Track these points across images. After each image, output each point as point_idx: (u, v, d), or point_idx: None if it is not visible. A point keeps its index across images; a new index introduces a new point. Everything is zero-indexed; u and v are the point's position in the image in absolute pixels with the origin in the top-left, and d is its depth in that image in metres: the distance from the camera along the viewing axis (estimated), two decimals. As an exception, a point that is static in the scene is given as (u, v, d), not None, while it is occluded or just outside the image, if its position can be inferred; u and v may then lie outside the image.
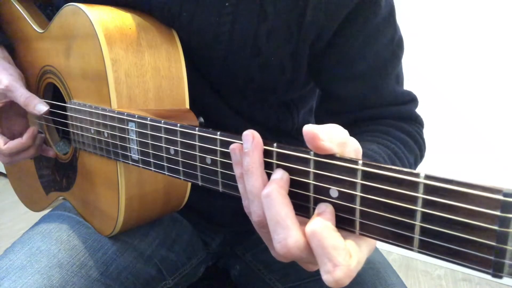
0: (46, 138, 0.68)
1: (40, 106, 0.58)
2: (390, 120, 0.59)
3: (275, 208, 0.30)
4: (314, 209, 0.31)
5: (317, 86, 0.65)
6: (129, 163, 0.49)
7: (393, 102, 0.59)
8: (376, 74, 0.58)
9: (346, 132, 0.32)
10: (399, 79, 0.60)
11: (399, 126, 0.58)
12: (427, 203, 0.25)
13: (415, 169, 0.57)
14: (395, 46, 0.58)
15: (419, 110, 0.62)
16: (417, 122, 0.61)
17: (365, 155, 0.47)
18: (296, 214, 0.32)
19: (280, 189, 0.31)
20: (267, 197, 0.31)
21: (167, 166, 0.43)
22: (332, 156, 0.29)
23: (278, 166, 0.32)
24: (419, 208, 0.25)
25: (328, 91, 0.62)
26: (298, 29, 0.53)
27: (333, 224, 0.29)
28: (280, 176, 0.32)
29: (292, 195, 0.32)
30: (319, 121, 0.75)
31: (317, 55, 0.57)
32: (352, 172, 0.28)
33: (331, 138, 0.30)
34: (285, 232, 0.29)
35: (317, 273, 0.64)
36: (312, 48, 0.56)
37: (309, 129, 0.29)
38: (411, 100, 0.61)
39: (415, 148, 0.57)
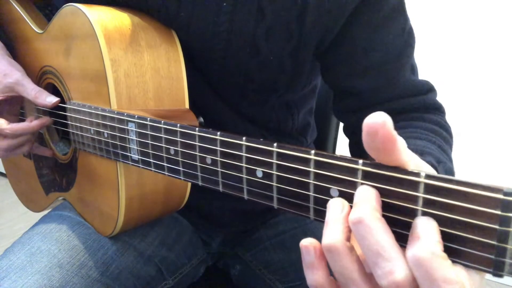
0: (46, 138, 0.68)
1: (51, 98, 0.58)
2: (415, 113, 0.57)
3: (374, 236, 0.25)
4: (314, 209, 0.31)
5: (330, 86, 0.63)
6: (129, 163, 0.49)
7: (413, 92, 0.58)
8: (390, 65, 0.56)
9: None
10: (414, 69, 0.59)
11: (429, 119, 0.56)
12: (427, 203, 0.25)
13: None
14: (407, 35, 0.56)
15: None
16: (440, 111, 0.60)
17: (423, 153, 0.45)
18: (296, 214, 0.32)
19: (374, 211, 0.25)
20: (359, 223, 0.25)
21: (167, 166, 0.43)
22: (332, 156, 0.29)
23: (278, 166, 0.32)
24: (419, 208, 0.25)
25: (343, 88, 0.60)
26: (299, 29, 0.53)
27: (442, 249, 0.24)
28: (370, 194, 0.26)
29: (292, 195, 0.32)
30: (340, 120, 0.74)
31: (326, 52, 0.56)
32: (353, 171, 0.28)
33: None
34: (391, 264, 0.24)
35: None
36: (319, 46, 0.56)
37: (392, 133, 0.25)
38: (430, 89, 0.59)
39: (448, 138, 0.55)
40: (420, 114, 0.57)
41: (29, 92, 0.58)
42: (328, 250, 0.26)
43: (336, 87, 0.62)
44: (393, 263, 0.24)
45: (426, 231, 0.24)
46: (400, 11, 0.55)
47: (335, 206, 0.28)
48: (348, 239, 0.27)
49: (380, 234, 0.25)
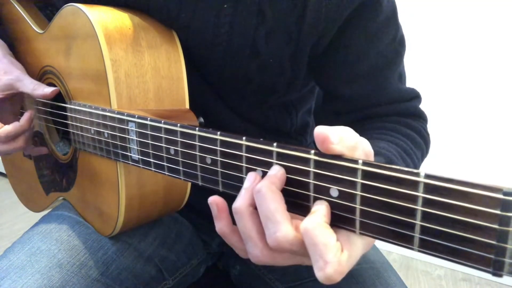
0: (46, 138, 0.68)
1: (49, 88, 0.59)
2: (395, 117, 0.59)
3: (266, 203, 0.30)
4: (314, 208, 0.31)
5: (321, 87, 0.65)
6: (129, 163, 0.49)
7: (398, 99, 0.60)
8: (380, 73, 0.58)
9: (357, 135, 0.31)
10: (401, 77, 0.61)
11: (405, 123, 0.59)
12: (427, 202, 0.25)
13: (421, 163, 0.58)
14: (397, 44, 0.58)
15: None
16: (422, 118, 0.62)
17: (377, 153, 0.47)
18: (297, 213, 0.32)
19: (270, 184, 0.31)
20: (258, 192, 0.31)
21: (167, 166, 0.43)
22: (332, 156, 0.29)
23: (279, 166, 0.32)
24: (419, 207, 0.25)
25: (332, 92, 0.62)
26: (297, 31, 0.53)
27: (327, 221, 0.29)
28: (274, 172, 0.32)
29: (292, 194, 0.32)
30: (323, 121, 0.75)
31: (320, 56, 0.57)
32: (353, 171, 0.28)
33: (343, 141, 0.29)
34: (275, 226, 0.30)
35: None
36: (313, 50, 0.56)
37: (321, 131, 0.29)
38: (415, 96, 0.62)
39: (421, 143, 0.58)
40: (400, 118, 0.59)
41: (27, 85, 0.59)
42: (234, 212, 0.32)
43: (326, 90, 0.64)
44: (277, 226, 0.30)
45: (316, 208, 0.30)
46: (392, 20, 0.56)
47: (249, 178, 0.33)
48: (254, 205, 0.32)
49: (271, 203, 0.30)
